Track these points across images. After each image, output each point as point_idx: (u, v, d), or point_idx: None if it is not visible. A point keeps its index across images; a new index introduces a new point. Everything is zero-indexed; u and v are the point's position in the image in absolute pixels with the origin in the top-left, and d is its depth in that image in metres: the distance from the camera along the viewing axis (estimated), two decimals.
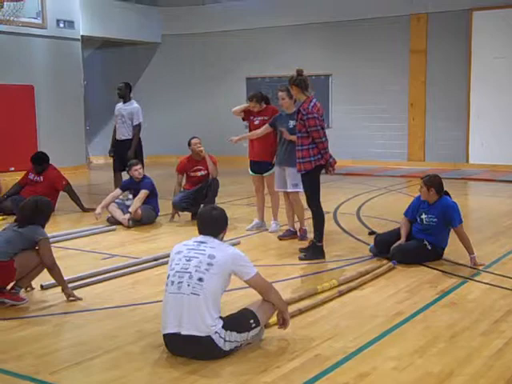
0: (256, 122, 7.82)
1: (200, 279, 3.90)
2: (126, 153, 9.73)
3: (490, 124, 14.19)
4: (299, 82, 6.35)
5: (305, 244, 6.86)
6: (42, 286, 5.44)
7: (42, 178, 9.13)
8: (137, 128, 10.00)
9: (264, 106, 7.81)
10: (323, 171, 6.50)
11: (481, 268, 5.97)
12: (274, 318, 4.38)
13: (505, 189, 11.79)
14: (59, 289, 5.23)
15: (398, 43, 15.09)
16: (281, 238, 7.46)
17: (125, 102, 10.13)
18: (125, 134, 10.04)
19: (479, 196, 11.44)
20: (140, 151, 10.08)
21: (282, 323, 4.24)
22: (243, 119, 8.02)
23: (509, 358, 3.93)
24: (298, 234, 7.44)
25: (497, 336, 4.29)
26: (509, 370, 3.75)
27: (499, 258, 6.43)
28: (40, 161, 9.21)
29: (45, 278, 5.33)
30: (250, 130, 7.91)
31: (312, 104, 6.30)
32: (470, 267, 5.99)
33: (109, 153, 10.44)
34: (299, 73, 6.39)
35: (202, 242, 4.08)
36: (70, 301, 5.14)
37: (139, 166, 8.59)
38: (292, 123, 7.10)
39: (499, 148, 14.08)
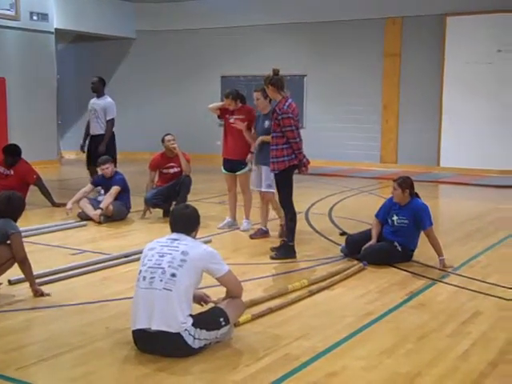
0: (231, 121, 7.80)
1: (173, 275, 3.89)
2: (99, 146, 9.70)
3: (461, 128, 14.35)
4: (275, 81, 6.36)
5: (277, 243, 6.87)
6: (9, 281, 5.37)
7: (12, 171, 8.99)
8: (110, 123, 9.96)
9: (240, 104, 7.80)
10: (296, 171, 6.52)
11: (449, 270, 6.04)
12: (244, 317, 4.39)
13: (475, 192, 11.94)
14: (27, 284, 5.16)
15: (372, 46, 15.18)
16: (252, 237, 7.47)
17: (98, 97, 10.10)
18: (98, 129, 10.00)
19: (449, 199, 11.58)
20: (113, 147, 10.02)
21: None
22: (219, 117, 8.01)
23: (475, 360, 3.98)
24: (279, 230, 7.41)
25: (463, 337, 4.34)
26: (475, 371, 3.80)
27: (467, 260, 6.51)
28: (12, 152, 9.07)
29: (13, 273, 5.26)
30: (225, 129, 7.90)
31: (287, 104, 6.32)
32: (439, 269, 6.06)
33: (80, 148, 10.39)
34: (275, 72, 6.40)
35: (175, 239, 4.08)
36: (36, 296, 5.09)
37: (106, 166, 8.50)
38: (267, 123, 7.12)
39: (470, 152, 14.25)
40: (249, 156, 7.69)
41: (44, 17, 15.06)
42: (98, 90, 10.10)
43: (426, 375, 3.75)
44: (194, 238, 4.20)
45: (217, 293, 4.61)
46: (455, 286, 5.59)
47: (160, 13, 17.38)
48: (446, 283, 5.68)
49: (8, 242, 5.07)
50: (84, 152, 10.30)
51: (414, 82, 14.83)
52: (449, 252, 6.46)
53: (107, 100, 10.06)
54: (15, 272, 5.22)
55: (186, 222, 4.18)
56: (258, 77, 15.14)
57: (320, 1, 15.56)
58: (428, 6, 14.45)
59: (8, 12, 14.20)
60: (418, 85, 14.80)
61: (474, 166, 14.13)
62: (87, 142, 10.28)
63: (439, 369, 3.83)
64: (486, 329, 4.52)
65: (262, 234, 7.48)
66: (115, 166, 8.98)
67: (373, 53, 15.18)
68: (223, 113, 7.89)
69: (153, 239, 4.24)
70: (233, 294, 4.20)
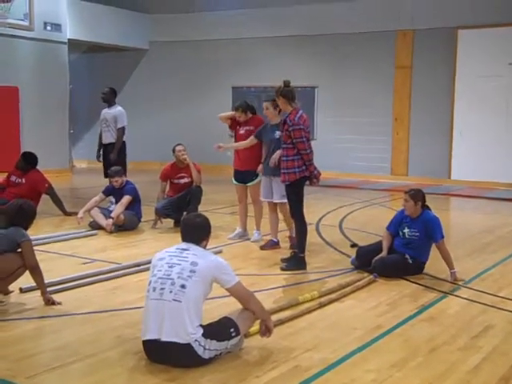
0: (241, 132, 7.82)
1: (182, 286, 3.89)
2: (109, 155, 9.77)
3: (472, 140, 14.32)
4: (286, 92, 6.37)
5: (287, 254, 6.86)
6: (21, 289, 5.39)
7: (24, 179, 9.05)
8: (120, 131, 10.05)
9: (250, 115, 7.82)
10: (307, 183, 6.52)
11: (460, 283, 6.01)
12: (254, 328, 4.38)
13: (485, 205, 11.89)
14: (38, 292, 5.18)
15: (383, 58, 15.21)
16: (263, 248, 7.46)
17: (109, 107, 10.23)
18: (109, 138, 10.11)
19: (460, 212, 11.53)
20: (123, 155, 10.09)
21: (265, 331, 4.24)
22: (230, 127, 8.02)
23: (486, 374, 3.95)
24: (289, 242, 7.41)
25: (475, 351, 4.31)
26: None
27: (479, 273, 6.48)
28: (29, 159, 9.13)
29: (24, 281, 5.28)
30: (236, 140, 7.92)
31: (298, 115, 6.32)
32: (450, 282, 6.03)
33: (96, 158, 10.46)
34: (286, 84, 6.41)
35: (185, 249, 4.08)
36: (48, 305, 5.10)
37: (116, 179, 8.53)
38: (278, 134, 7.13)
39: (481, 165, 14.21)
40: (260, 167, 7.69)
41: (57, 27, 15.20)
42: (109, 100, 10.23)
43: None
44: (204, 247, 4.20)
45: (227, 303, 4.62)
46: (466, 299, 5.56)
47: (173, 24, 17.49)
48: (457, 296, 5.65)
49: (19, 250, 5.09)
50: (100, 161, 10.39)
51: (425, 95, 14.83)
52: (460, 265, 6.43)
53: (117, 109, 10.20)
54: (27, 280, 5.23)
55: (196, 231, 4.18)
56: (268, 88, 15.22)
57: (332, 13, 15.60)
58: (439, 19, 14.47)
59: (22, 22, 14.34)
60: (429, 97, 14.79)
61: (485, 179, 14.09)
62: (101, 151, 10.36)
63: (450, 383, 3.80)
64: (498, 343, 4.49)
65: (273, 245, 7.47)
66: (125, 175, 9.02)
67: (384, 65, 15.20)
68: (234, 123, 7.91)
69: (163, 249, 4.25)
70: (243, 304, 4.19)
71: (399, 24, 14.93)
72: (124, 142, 10.15)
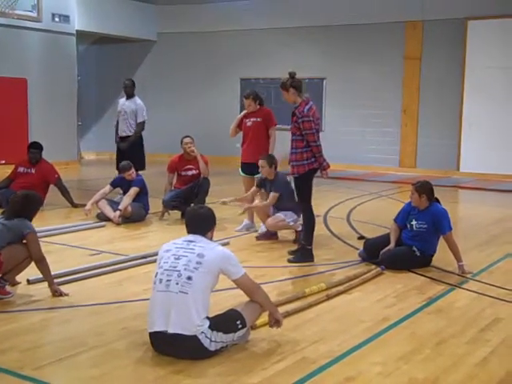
0: (249, 124, 7.82)
1: (189, 278, 3.89)
2: (126, 149, 9.72)
3: (481, 133, 14.24)
4: (296, 83, 6.31)
5: (295, 246, 6.85)
6: (28, 281, 5.41)
7: (34, 170, 9.07)
8: (140, 126, 9.92)
9: (258, 106, 7.81)
10: (318, 174, 6.49)
11: (468, 276, 5.98)
12: (261, 320, 4.37)
13: (494, 197, 11.84)
14: (45, 284, 5.19)
15: (392, 49, 15.13)
16: (258, 238, 7.48)
17: (128, 99, 10.04)
18: (126, 130, 9.96)
19: (469, 204, 11.48)
20: (141, 149, 9.99)
21: (275, 323, 4.24)
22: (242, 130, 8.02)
23: (493, 367, 3.94)
24: (295, 236, 7.39)
25: (482, 344, 4.29)
26: (493, 379, 3.76)
27: (487, 266, 6.44)
28: (35, 146, 9.16)
29: (31, 272, 5.29)
30: (243, 132, 7.91)
31: (308, 107, 6.28)
32: (458, 275, 6.00)
33: (116, 142, 10.28)
34: (292, 75, 6.34)
35: (191, 241, 4.07)
36: (55, 296, 5.11)
37: (129, 172, 8.52)
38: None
39: (490, 157, 14.13)
40: None
41: (66, 18, 15.20)
42: (131, 92, 10.04)
43: (444, 382, 3.71)
44: (210, 238, 4.19)
45: (234, 295, 4.61)
46: (474, 292, 5.53)
47: (181, 15, 17.46)
48: (465, 289, 5.62)
49: (24, 241, 5.09)
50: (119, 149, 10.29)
51: (434, 86, 14.75)
52: (468, 257, 6.39)
53: (137, 102, 9.99)
54: (34, 271, 5.24)
55: (201, 223, 4.18)
56: (277, 79, 15.15)
57: (340, 4, 15.54)
58: (449, 10, 14.38)
59: (30, 13, 14.34)
60: (439, 89, 14.71)
61: (493, 171, 14.01)
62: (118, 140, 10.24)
63: (457, 376, 3.79)
64: (506, 336, 4.47)
65: (268, 235, 7.47)
66: (144, 169, 9.03)
67: (393, 56, 15.13)
68: (241, 126, 7.92)
69: (170, 240, 4.24)
70: (249, 296, 4.19)
71: (408, 15, 14.83)
72: (141, 135, 10.04)
